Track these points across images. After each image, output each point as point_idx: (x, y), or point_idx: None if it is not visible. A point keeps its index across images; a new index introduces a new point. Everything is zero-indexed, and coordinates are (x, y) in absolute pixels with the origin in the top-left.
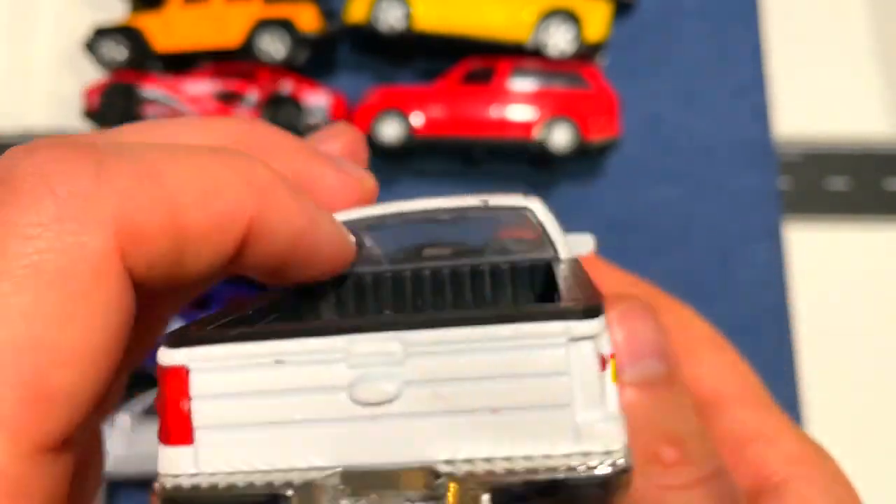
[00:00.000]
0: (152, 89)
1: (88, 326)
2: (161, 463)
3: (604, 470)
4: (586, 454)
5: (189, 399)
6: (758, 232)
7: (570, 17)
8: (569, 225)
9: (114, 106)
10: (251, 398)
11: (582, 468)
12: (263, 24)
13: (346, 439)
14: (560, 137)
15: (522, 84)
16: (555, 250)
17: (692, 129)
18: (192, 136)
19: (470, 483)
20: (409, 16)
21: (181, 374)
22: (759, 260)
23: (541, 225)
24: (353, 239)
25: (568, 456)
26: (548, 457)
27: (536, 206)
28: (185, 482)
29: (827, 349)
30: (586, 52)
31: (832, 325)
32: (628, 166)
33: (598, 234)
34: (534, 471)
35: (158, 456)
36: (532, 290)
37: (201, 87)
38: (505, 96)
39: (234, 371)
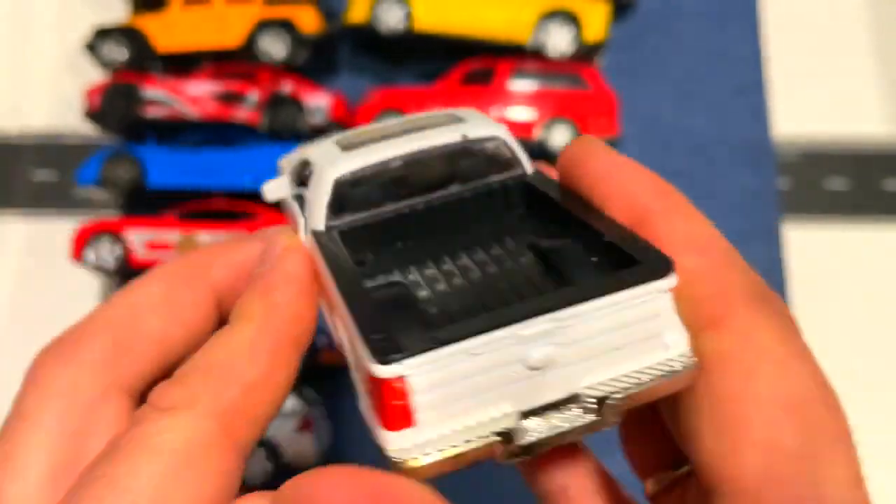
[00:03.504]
0: (153, 90)
1: None
2: (390, 444)
3: (687, 362)
4: (670, 359)
5: (407, 396)
6: (756, 232)
7: (570, 17)
8: None
9: (114, 106)
10: (454, 382)
11: (677, 363)
12: (264, 25)
13: (524, 392)
14: (560, 138)
15: (522, 85)
16: (523, 168)
17: (691, 129)
18: None
19: (605, 392)
20: (409, 16)
21: (400, 381)
22: (758, 260)
23: (510, 148)
24: None
25: (663, 362)
26: (649, 366)
27: (504, 133)
28: (416, 454)
29: (825, 349)
30: (586, 53)
31: (831, 325)
32: None
33: None
34: (645, 373)
35: (383, 438)
36: (518, 209)
37: (202, 87)
38: (505, 97)
39: (439, 368)
